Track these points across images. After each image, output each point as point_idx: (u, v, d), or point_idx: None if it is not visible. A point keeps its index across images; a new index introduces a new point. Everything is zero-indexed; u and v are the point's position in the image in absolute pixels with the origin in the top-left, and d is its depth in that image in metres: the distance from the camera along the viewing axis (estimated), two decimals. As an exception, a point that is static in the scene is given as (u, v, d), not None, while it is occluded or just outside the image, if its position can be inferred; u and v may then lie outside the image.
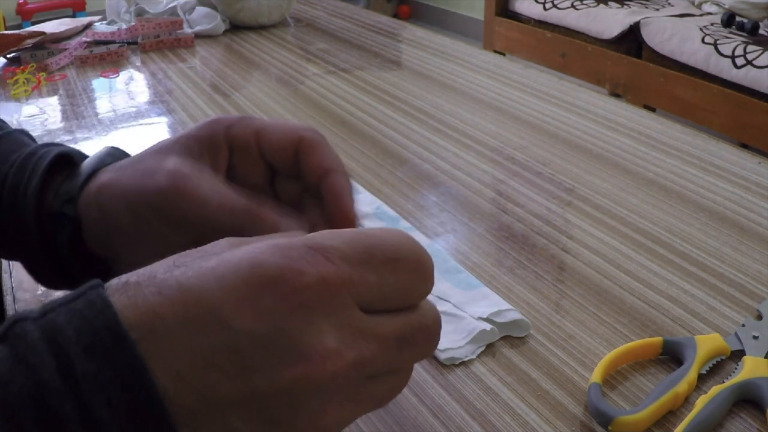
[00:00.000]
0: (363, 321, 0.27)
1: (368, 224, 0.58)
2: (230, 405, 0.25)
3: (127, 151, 0.43)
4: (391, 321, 0.28)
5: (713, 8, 2.49)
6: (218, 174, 0.37)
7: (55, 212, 0.40)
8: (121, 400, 0.24)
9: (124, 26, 1.18)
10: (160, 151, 0.38)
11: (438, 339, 0.31)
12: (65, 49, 1.08)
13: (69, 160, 0.42)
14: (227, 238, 0.29)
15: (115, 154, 0.42)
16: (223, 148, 0.38)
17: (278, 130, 0.38)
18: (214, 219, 0.35)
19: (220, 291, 0.26)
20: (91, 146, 0.78)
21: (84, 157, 0.43)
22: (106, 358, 0.24)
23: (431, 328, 0.30)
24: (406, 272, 0.29)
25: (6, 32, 1.08)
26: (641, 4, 2.59)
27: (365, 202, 0.62)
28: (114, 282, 0.27)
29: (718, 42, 2.12)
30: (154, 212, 0.36)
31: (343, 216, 0.36)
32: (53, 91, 0.96)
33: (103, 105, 0.92)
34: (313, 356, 0.26)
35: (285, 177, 0.39)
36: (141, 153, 0.39)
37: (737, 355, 0.44)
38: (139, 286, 0.26)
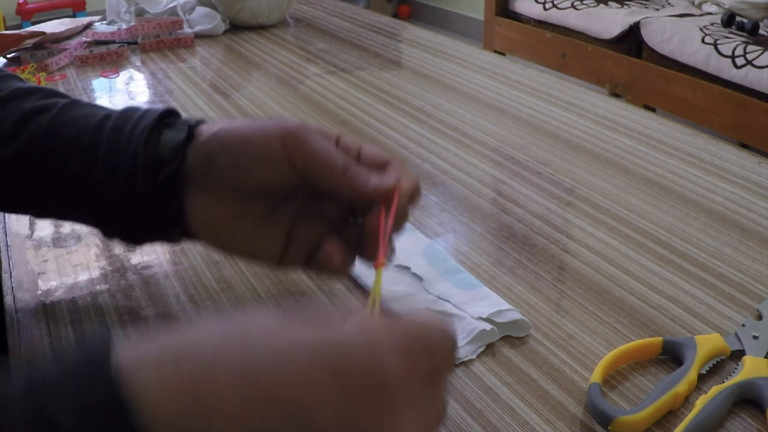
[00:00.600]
0: (426, 396, 0.29)
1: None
2: None
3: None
4: (440, 388, 0.31)
5: (713, 8, 2.49)
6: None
7: (171, 122, 0.44)
8: None
9: (124, 26, 1.18)
10: (274, 117, 0.44)
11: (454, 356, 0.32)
12: (65, 49, 1.08)
13: (173, 114, 0.46)
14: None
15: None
16: (334, 142, 0.43)
17: (376, 150, 0.43)
18: (329, 157, 0.40)
19: (300, 376, 0.24)
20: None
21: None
22: None
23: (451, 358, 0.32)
24: (447, 355, 0.31)
25: (6, 32, 1.08)
26: (641, 4, 2.59)
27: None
28: (128, 359, 0.24)
29: (718, 42, 2.12)
30: (281, 134, 0.41)
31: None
32: (53, 91, 0.96)
33: (103, 105, 0.92)
34: None
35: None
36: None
37: (737, 355, 0.44)
38: (173, 368, 0.24)
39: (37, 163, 0.44)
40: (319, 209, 0.44)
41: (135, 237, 0.46)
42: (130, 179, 0.42)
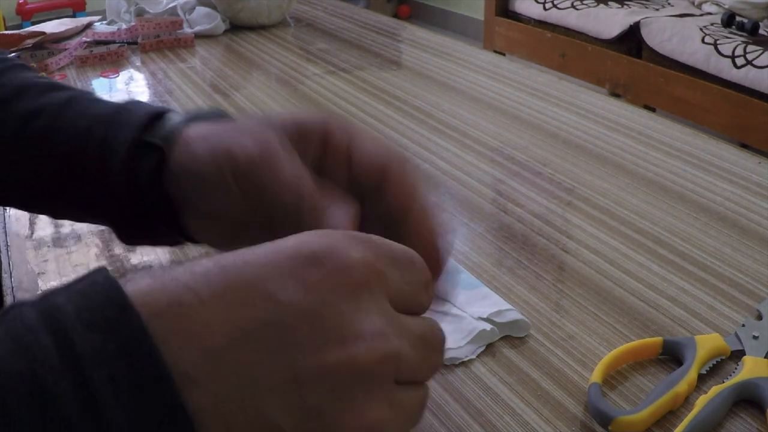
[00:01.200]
0: (396, 314, 0.27)
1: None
2: (268, 390, 0.24)
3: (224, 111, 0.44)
4: (415, 321, 0.28)
5: (713, 8, 2.49)
6: (303, 162, 0.37)
7: (146, 143, 0.40)
8: (125, 376, 0.21)
9: (124, 26, 1.18)
10: (263, 120, 0.38)
11: (444, 352, 0.31)
12: (65, 49, 1.08)
13: (161, 115, 0.43)
14: None
15: (216, 110, 0.43)
16: (316, 145, 0.38)
17: (371, 147, 0.38)
18: (285, 196, 0.35)
19: (263, 267, 0.25)
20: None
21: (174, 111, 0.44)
22: (109, 332, 0.22)
23: (441, 336, 0.30)
24: (418, 276, 0.29)
25: (6, 32, 1.08)
26: (641, 4, 2.59)
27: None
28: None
29: (718, 42, 2.12)
30: (233, 168, 0.36)
31: (434, 254, 0.36)
32: (53, 91, 0.96)
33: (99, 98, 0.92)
34: (360, 337, 0.25)
35: (371, 200, 0.38)
36: (247, 119, 0.40)
37: (737, 355, 0.44)
38: (164, 270, 0.25)
39: (42, 165, 0.43)
40: None
41: (140, 241, 0.45)
42: (119, 203, 0.41)
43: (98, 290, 0.23)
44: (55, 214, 0.49)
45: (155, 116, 0.42)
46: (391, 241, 0.29)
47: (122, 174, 0.40)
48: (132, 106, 0.43)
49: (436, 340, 0.29)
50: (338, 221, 0.35)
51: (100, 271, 0.25)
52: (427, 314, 0.39)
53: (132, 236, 0.44)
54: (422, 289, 0.30)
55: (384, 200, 0.36)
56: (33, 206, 0.50)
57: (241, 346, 0.23)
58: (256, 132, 0.37)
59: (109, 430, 0.21)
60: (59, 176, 0.43)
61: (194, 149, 0.38)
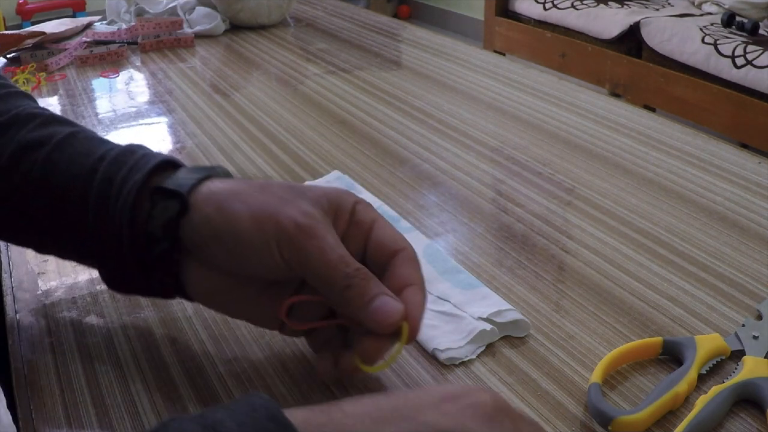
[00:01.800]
0: None
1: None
2: None
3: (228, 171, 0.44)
4: None
5: (713, 8, 2.49)
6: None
7: (165, 189, 0.39)
8: None
9: (124, 26, 1.18)
10: (293, 189, 0.39)
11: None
12: (65, 49, 1.08)
13: (172, 165, 0.42)
14: None
15: (225, 170, 0.43)
16: (346, 218, 0.40)
17: (390, 230, 0.40)
18: (329, 269, 0.37)
19: (410, 398, 0.30)
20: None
21: (183, 164, 0.43)
22: None
23: None
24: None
25: (6, 32, 1.08)
26: (641, 4, 2.59)
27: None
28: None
29: (718, 42, 2.12)
30: (279, 236, 0.37)
31: (413, 330, 0.38)
32: (53, 91, 0.96)
33: (103, 105, 0.92)
34: None
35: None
36: (268, 181, 0.41)
37: (737, 355, 0.44)
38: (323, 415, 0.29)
39: (32, 201, 0.42)
40: None
41: (130, 290, 0.44)
42: (119, 249, 0.40)
43: (258, 408, 0.26)
44: (39, 249, 0.48)
45: (165, 164, 0.42)
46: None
47: (127, 217, 0.39)
48: (138, 149, 0.43)
49: None
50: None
51: (257, 395, 0.28)
52: (427, 314, 0.40)
53: (122, 284, 0.43)
54: None
55: (387, 278, 0.39)
56: (13, 239, 0.49)
57: None
58: (297, 203, 0.38)
59: None
60: (51, 214, 0.42)
61: (229, 207, 0.38)
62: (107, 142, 0.44)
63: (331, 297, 0.38)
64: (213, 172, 0.42)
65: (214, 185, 0.40)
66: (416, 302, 0.38)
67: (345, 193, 0.41)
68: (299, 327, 0.42)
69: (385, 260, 0.40)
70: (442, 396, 0.30)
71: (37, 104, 0.48)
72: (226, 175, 0.43)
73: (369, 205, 0.41)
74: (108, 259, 0.42)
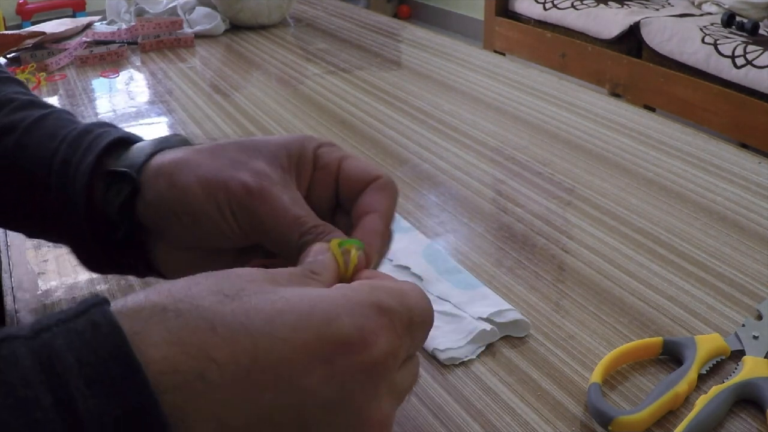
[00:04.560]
0: (399, 381, 0.29)
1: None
2: None
3: (187, 138, 0.42)
4: (410, 369, 0.30)
5: (713, 8, 2.49)
6: (299, 190, 0.38)
7: (115, 171, 0.38)
8: None
9: (124, 26, 1.18)
10: (247, 148, 0.38)
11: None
12: (65, 49, 1.08)
13: (126, 142, 0.41)
14: (265, 270, 0.29)
15: (180, 138, 0.42)
16: (310, 165, 0.38)
17: (359, 163, 0.38)
18: (283, 232, 0.35)
19: (291, 345, 0.25)
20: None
21: (140, 139, 0.42)
22: (115, 395, 0.21)
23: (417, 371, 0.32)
24: (426, 332, 0.31)
25: (6, 32, 1.08)
26: (641, 4, 2.59)
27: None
28: (129, 301, 0.25)
29: (718, 42, 2.12)
30: (230, 202, 0.35)
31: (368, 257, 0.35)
32: (53, 91, 0.96)
33: (103, 105, 0.92)
34: (373, 423, 0.27)
35: (343, 212, 0.39)
36: (221, 142, 0.39)
37: (737, 355, 0.44)
38: (173, 314, 0.24)
39: (5, 186, 0.41)
40: None
41: (105, 271, 0.43)
42: (84, 234, 0.39)
43: (102, 338, 0.22)
44: (29, 235, 0.48)
45: (118, 142, 0.40)
46: (415, 297, 0.30)
47: (82, 201, 0.38)
48: (96, 128, 0.41)
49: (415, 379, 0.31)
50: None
51: (101, 307, 0.23)
52: None
53: (95, 265, 0.43)
54: (424, 340, 0.31)
55: (353, 211, 0.37)
56: (2, 224, 0.48)
57: (258, 428, 0.24)
58: (249, 164, 0.36)
59: None
60: (20, 196, 0.41)
61: (178, 180, 0.37)
62: (74, 122, 0.43)
63: (291, 260, 0.34)
64: (166, 144, 0.40)
65: (164, 158, 0.38)
66: (371, 230, 0.36)
67: (306, 139, 0.39)
68: None
69: (359, 195, 0.38)
70: (331, 344, 0.26)
71: (24, 89, 0.47)
72: (183, 142, 0.41)
73: (334, 144, 0.39)
74: (77, 243, 0.41)
